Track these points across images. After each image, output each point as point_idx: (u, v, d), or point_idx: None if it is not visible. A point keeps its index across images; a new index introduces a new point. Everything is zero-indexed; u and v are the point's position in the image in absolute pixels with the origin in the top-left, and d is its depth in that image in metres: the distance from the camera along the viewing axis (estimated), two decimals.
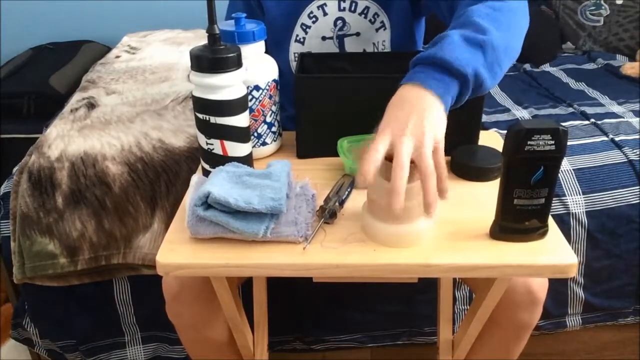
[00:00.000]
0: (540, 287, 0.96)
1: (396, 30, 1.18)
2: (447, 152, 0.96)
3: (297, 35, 1.19)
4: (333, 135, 0.97)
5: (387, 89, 0.96)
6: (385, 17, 1.16)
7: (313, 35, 1.19)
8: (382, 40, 1.19)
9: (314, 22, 1.17)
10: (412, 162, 0.74)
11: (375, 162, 0.72)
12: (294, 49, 1.20)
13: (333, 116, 0.99)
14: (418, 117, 0.74)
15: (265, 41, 1.00)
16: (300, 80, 0.98)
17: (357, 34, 1.18)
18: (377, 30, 1.18)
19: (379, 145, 0.73)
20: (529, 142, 0.69)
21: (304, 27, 1.17)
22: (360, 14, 1.16)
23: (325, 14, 1.16)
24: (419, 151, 0.71)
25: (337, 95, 0.98)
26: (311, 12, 1.16)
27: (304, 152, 1.03)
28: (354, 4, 1.15)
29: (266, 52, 1.02)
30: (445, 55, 0.79)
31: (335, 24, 1.17)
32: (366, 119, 0.98)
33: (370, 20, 1.16)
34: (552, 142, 0.69)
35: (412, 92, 0.78)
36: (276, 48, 1.20)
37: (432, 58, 0.80)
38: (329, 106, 0.98)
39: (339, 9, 1.16)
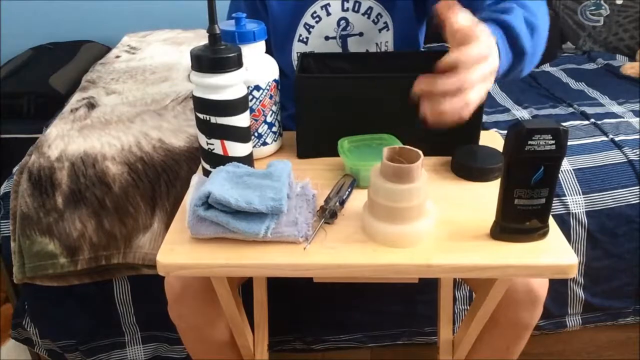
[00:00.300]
0: (540, 286, 0.96)
1: (399, 31, 1.18)
2: (447, 152, 0.97)
3: (300, 35, 1.19)
4: (333, 135, 0.97)
5: (388, 89, 0.97)
6: (389, 18, 1.16)
7: (316, 35, 1.19)
8: (385, 41, 1.19)
9: (317, 22, 1.17)
10: (411, 162, 0.75)
11: (458, 21, 0.73)
12: (297, 48, 1.20)
13: (334, 116, 0.99)
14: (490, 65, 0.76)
15: (268, 40, 1.00)
16: (301, 79, 0.98)
17: (360, 34, 1.18)
18: (380, 30, 1.18)
19: (468, 20, 0.74)
20: (529, 142, 0.69)
21: (307, 27, 1.17)
22: (363, 14, 1.16)
23: (328, 14, 1.16)
24: (483, 83, 0.74)
25: (338, 95, 0.97)
26: (314, 12, 1.16)
27: (304, 152, 1.03)
28: (357, 4, 1.15)
29: (269, 51, 1.02)
30: (514, 24, 0.83)
31: (338, 24, 1.17)
32: (367, 119, 0.98)
33: (373, 21, 1.17)
34: (553, 142, 0.69)
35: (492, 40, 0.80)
36: (279, 48, 1.20)
37: (501, 21, 0.84)
38: (329, 106, 0.98)
39: (343, 9, 1.16)
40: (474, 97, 0.73)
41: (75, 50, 2.28)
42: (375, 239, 0.78)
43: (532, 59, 0.89)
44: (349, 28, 1.17)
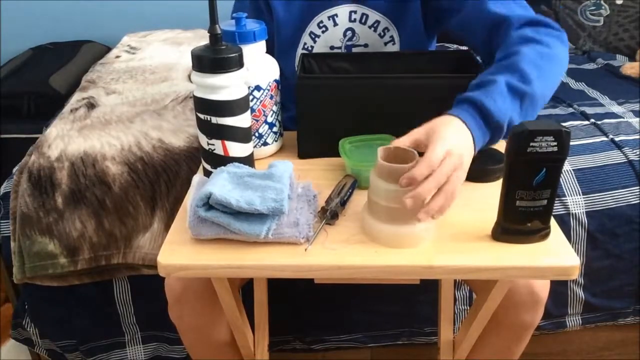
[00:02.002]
0: (542, 287, 0.96)
1: (405, 46, 1.18)
2: None
3: (305, 44, 1.18)
4: (335, 135, 0.97)
5: (389, 89, 0.97)
6: (395, 33, 1.16)
7: (321, 44, 1.18)
8: None
9: (323, 32, 1.16)
10: (406, 162, 0.75)
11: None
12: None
13: (335, 116, 0.99)
14: (464, 151, 0.79)
15: (273, 43, 0.99)
16: (303, 80, 0.98)
17: (366, 45, 1.18)
18: (385, 44, 1.18)
19: (439, 151, 0.75)
20: (531, 144, 0.69)
21: (313, 36, 1.17)
22: (370, 27, 1.15)
23: (335, 24, 1.15)
24: (456, 172, 0.75)
25: (339, 96, 0.98)
26: (321, 22, 1.15)
27: (305, 152, 1.03)
28: (364, 17, 1.14)
29: (271, 54, 1.01)
30: (490, 105, 0.83)
31: (344, 35, 1.16)
32: (368, 119, 0.98)
33: (379, 34, 1.16)
34: (555, 143, 0.69)
35: (460, 128, 0.82)
36: (282, 53, 1.19)
37: (478, 102, 0.84)
38: (330, 106, 0.98)
39: (350, 20, 1.15)
40: (451, 188, 0.75)
41: (75, 50, 2.28)
42: (376, 240, 0.78)
43: (523, 119, 0.88)
44: (354, 39, 1.17)
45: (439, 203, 0.73)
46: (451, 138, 0.77)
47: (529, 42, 0.92)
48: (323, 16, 1.15)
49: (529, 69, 0.87)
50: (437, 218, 0.76)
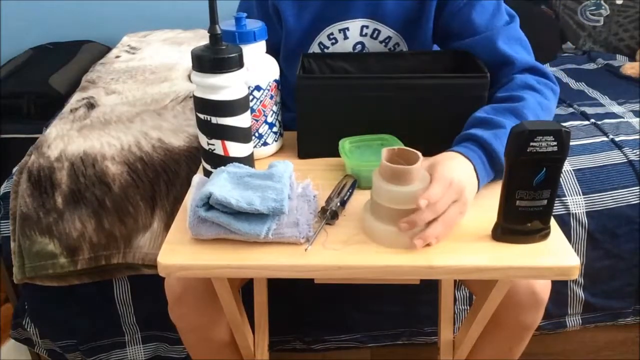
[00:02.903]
0: (543, 288, 0.96)
1: None
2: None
3: (314, 53, 1.17)
4: (334, 135, 0.97)
5: (389, 89, 0.97)
6: (405, 48, 1.15)
7: None
8: None
9: (332, 44, 1.16)
10: (410, 163, 0.75)
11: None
12: None
13: (334, 116, 0.99)
14: (466, 186, 0.80)
15: (278, 45, 0.98)
16: (302, 80, 0.98)
17: None
18: None
19: (437, 189, 0.76)
20: (531, 144, 0.69)
21: (322, 47, 1.16)
22: (381, 42, 1.15)
23: (346, 37, 1.15)
24: (455, 204, 0.77)
25: (338, 96, 0.97)
26: (331, 34, 1.15)
27: (305, 152, 1.03)
28: (376, 32, 1.14)
29: (280, 59, 1.01)
30: (498, 148, 0.86)
31: (354, 48, 1.16)
32: (368, 119, 0.98)
33: (390, 49, 1.16)
34: (555, 143, 0.69)
35: (465, 165, 0.84)
36: (289, 58, 1.18)
37: (486, 144, 0.86)
38: (330, 106, 0.98)
39: (361, 34, 1.15)
40: (449, 218, 0.76)
41: (75, 50, 2.27)
42: (377, 240, 0.78)
43: None
44: (364, 52, 1.16)
45: (436, 231, 0.75)
46: (453, 172, 0.79)
47: (531, 89, 0.97)
48: (334, 28, 1.14)
49: (531, 117, 0.91)
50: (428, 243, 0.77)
